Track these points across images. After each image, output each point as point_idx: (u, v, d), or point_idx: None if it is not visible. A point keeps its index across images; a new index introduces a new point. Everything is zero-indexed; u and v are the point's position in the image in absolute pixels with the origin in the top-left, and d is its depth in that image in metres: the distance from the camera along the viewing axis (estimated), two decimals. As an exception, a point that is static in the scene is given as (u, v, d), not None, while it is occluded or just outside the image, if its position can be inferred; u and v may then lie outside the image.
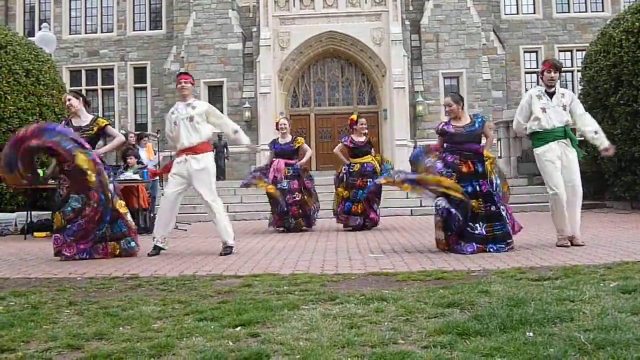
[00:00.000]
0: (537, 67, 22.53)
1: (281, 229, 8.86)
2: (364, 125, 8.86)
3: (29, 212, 9.61)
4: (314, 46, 21.73)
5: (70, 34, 24.54)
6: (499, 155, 14.76)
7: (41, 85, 10.70)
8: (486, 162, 5.78)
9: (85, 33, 24.66)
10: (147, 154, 10.66)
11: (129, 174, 9.49)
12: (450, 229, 5.61)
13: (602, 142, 5.97)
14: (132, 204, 9.38)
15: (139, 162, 9.94)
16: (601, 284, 3.72)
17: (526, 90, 19.54)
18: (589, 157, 10.53)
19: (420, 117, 21.32)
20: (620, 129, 10.36)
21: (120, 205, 6.25)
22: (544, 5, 23.83)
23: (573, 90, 19.27)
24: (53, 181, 7.37)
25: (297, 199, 8.65)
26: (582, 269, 4.34)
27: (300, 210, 8.73)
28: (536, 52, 23.86)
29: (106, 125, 6.34)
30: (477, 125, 5.88)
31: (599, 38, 11.49)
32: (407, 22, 21.79)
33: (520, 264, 4.78)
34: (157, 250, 6.21)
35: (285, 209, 8.61)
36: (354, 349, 2.54)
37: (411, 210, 12.39)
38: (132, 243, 6.26)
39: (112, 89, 24.51)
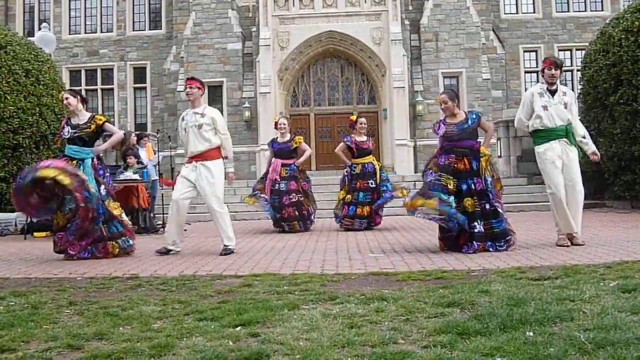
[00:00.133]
0: (537, 67, 22.54)
1: (279, 229, 8.86)
2: (363, 125, 8.87)
3: (29, 212, 9.61)
4: (313, 46, 21.72)
5: (69, 34, 24.52)
6: (499, 154, 14.76)
7: (41, 85, 10.69)
8: (481, 159, 5.78)
9: (85, 33, 24.64)
10: (147, 154, 10.65)
11: (129, 174, 9.50)
12: (450, 231, 5.64)
13: (590, 146, 6.01)
14: (132, 204, 9.39)
15: (138, 162, 9.94)
16: (601, 284, 3.72)
17: (526, 89, 19.49)
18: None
19: (420, 116, 21.31)
20: (620, 128, 10.36)
21: (114, 207, 6.24)
22: (544, 4, 23.81)
23: (573, 89, 19.25)
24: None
25: (293, 200, 8.64)
26: (582, 269, 4.34)
27: (297, 212, 8.66)
28: (536, 51, 23.85)
29: (104, 122, 6.33)
30: (470, 121, 5.89)
31: (599, 37, 11.49)
32: (406, 22, 21.78)
33: (520, 263, 4.79)
34: (166, 251, 6.21)
35: (278, 216, 8.60)
36: (354, 348, 2.54)
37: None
38: (130, 242, 6.30)
39: (112, 89, 24.49)
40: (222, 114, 6.53)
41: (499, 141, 14.79)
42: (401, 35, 20.92)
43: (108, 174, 6.58)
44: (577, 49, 23.23)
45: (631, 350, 2.32)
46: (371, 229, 8.64)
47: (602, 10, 23.61)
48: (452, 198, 5.54)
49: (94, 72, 24.54)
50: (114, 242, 6.14)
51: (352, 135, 8.88)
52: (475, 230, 5.55)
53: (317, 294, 3.72)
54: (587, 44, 14.31)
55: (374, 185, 8.63)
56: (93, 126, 6.22)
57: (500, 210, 5.68)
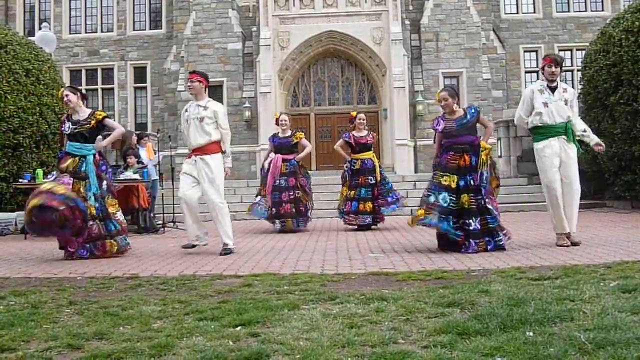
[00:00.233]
0: (537, 67, 22.51)
1: (273, 225, 8.85)
2: (362, 121, 8.87)
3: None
4: (314, 46, 21.72)
5: (70, 34, 24.53)
6: (499, 154, 14.75)
7: (41, 84, 10.70)
8: (482, 153, 5.78)
9: (85, 33, 24.64)
10: (147, 154, 10.65)
11: (129, 174, 9.50)
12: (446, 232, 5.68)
13: (592, 138, 6.03)
14: (132, 203, 9.40)
15: (139, 162, 9.94)
16: (601, 284, 3.72)
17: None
18: (587, 156, 10.54)
19: (420, 116, 21.31)
20: (620, 128, 10.36)
21: (111, 204, 6.25)
22: (544, 4, 23.81)
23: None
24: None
25: (292, 197, 8.63)
26: (582, 269, 4.34)
27: (294, 209, 8.62)
28: (536, 51, 23.84)
29: (104, 117, 6.33)
30: (469, 116, 5.89)
31: (599, 37, 11.49)
32: (407, 22, 21.78)
33: (520, 263, 4.79)
34: (192, 246, 6.32)
35: (274, 211, 8.58)
36: (354, 348, 2.54)
37: (411, 210, 12.36)
38: (127, 240, 6.34)
39: (112, 89, 24.49)
40: (227, 125, 6.47)
41: (499, 141, 14.79)
42: (401, 35, 20.92)
43: (110, 170, 6.60)
44: (577, 49, 23.23)
45: (631, 351, 2.32)
46: (376, 225, 8.70)
47: (603, 10, 23.60)
48: (446, 194, 5.58)
49: (94, 71, 24.54)
50: (112, 241, 6.15)
51: (352, 132, 8.89)
52: (471, 228, 5.56)
53: (317, 294, 3.72)
54: (587, 44, 14.31)
55: (373, 182, 8.66)
56: (93, 121, 6.22)
57: (490, 207, 5.68)
